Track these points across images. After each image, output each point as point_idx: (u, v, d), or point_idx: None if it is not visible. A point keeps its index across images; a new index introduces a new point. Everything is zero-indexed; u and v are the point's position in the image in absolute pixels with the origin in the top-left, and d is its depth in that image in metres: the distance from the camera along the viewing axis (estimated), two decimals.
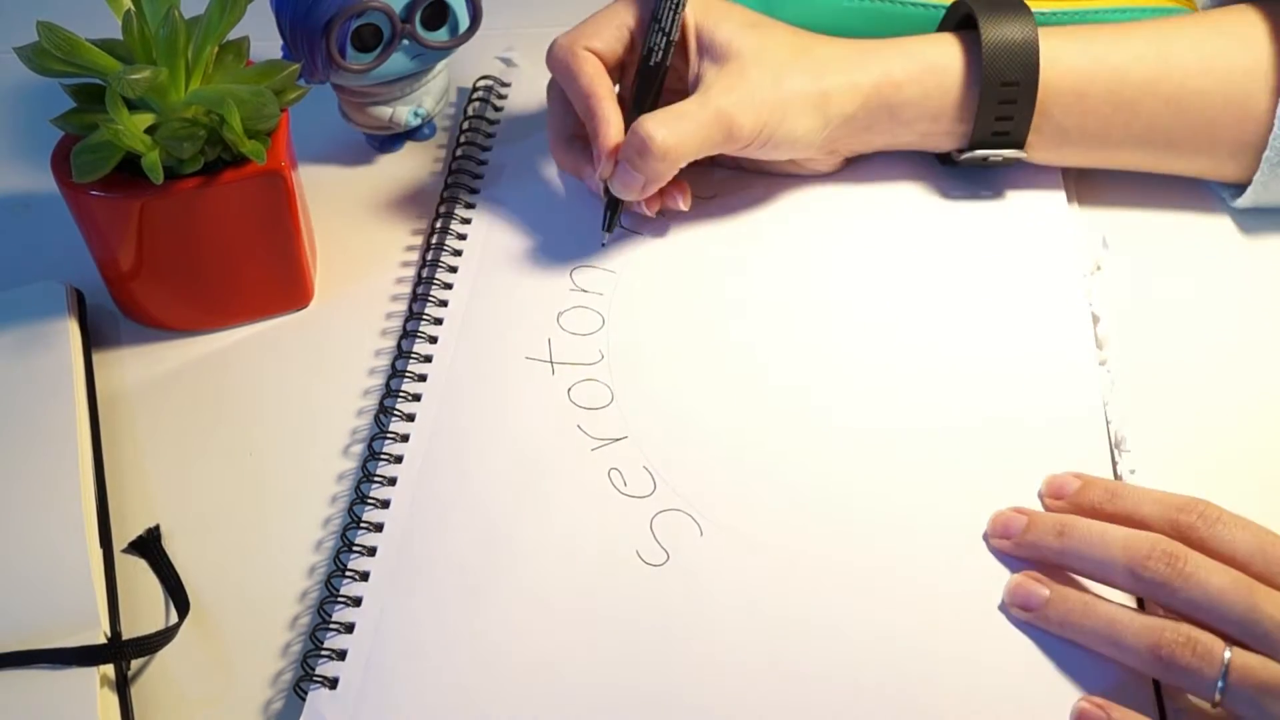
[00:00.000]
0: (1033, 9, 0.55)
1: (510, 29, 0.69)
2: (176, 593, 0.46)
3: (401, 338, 0.54)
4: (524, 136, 0.63)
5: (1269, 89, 0.53)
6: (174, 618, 0.45)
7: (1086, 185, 0.59)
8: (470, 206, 0.60)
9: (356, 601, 0.45)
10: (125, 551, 0.48)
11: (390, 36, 0.57)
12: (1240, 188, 0.56)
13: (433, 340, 0.53)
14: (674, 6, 0.53)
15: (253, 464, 0.51)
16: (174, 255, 0.52)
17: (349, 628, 0.44)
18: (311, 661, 0.43)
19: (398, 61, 0.58)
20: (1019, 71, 0.53)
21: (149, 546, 0.48)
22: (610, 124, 0.53)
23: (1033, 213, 0.57)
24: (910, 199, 0.58)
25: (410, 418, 0.50)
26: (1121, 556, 0.42)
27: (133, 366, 0.54)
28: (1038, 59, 0.54)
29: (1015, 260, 0.55)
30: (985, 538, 0.46)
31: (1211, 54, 0.54)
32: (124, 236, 0.51)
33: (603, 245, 0.57)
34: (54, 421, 0.50)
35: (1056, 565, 0.44)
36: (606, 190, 0.55)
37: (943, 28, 0.58)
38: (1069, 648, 0.43)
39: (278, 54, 0.57)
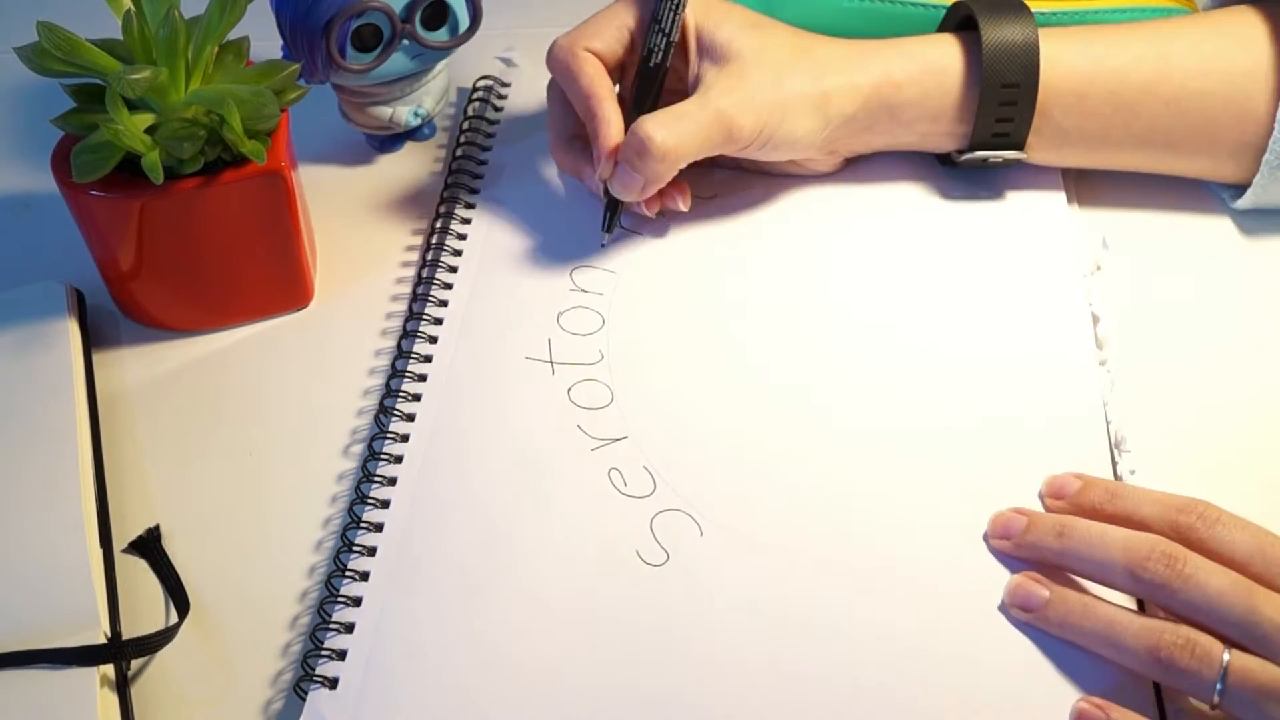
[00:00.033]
0: (1033, 9, 0.55)
1: (510, 29, 0.69)
2: (176, 593, 0.46)
3: (401, 338, 0.54)
4: (524, 136, 0.63)
5: (1269, 90, 0.53)
6: (174, 618, 0.45)
7: (1086, 186, 0.59)
8: (470, 206, 0.60)
9: (356, 601, 0.45)
10: (125, 551, 0.48)
11: (390, 36, 0.57)
12: (1240, 189, 0.56)
13: (433, 340, 0.53)
14: (674, 7, 0.53)
15: (253, 464, 0.51)
16: (174, 255, 0.52)
17: (349, 628, 0.44)
18: (311, 661, 0.43)
19: (398, 61, 0.58)
20: (1019, 73, 0.53)
21: (149, 546, 0.48)
22: (610, 125, 0.53)
23: (1033, 213, 0.57)
24: (910, 199, 0.58)
25: (410, 418, 0.50)
26: (1121, 558, 0.42)
27: (133, 366, 0.54)
28: (1038, 60, 0.53)
29: (1015, 260, 0.55)
30: (985, 538, 0.46)
31: (1212, 55, 0.54)
32: (124, 236, 0.51)
33: (602, 246, 0.57)
34: (54, 421, 0.50)
35: (1056, 566, 0.44)
36: (606, 191, 0.55)
37: (943, 28, 0.58)
38: (1069, 648, 0.43)
39: (278, 54, 0.57)
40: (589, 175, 0.56)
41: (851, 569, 0.45)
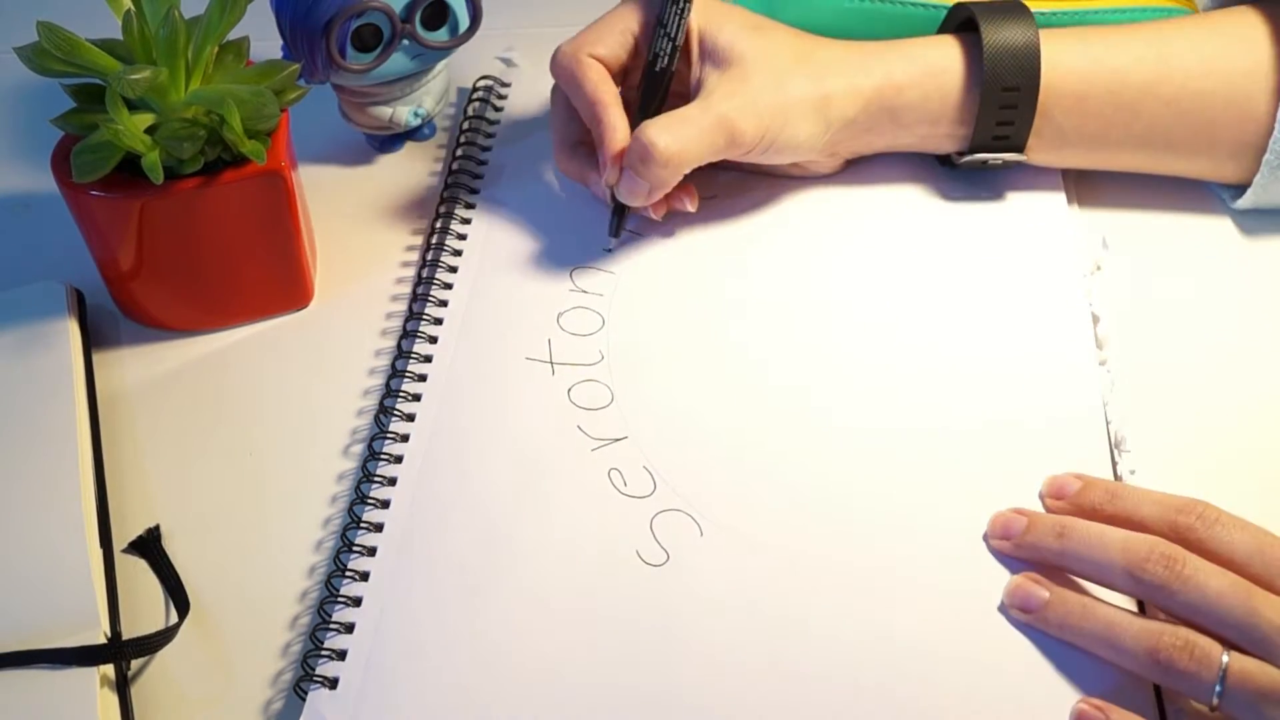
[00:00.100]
0: (1033, 10, 0.55)
1: (510, 29, 0.69)
2: (176, 593, 0.46)
3: (401, 338, 0.54)
4: (524, 137, 0.63)
5: (1269, 90, 0.53)
6: (174, 618, 0.45)
7: (1086, 186, 0.59)
8: (470, 207, 0.60)
9: (356, 601, 0.45)
10: (125, 551, 0.48)
11: (390, 36, 0.57)
12: (1240, 189, 0.56)
13: (433, 340, 0.53)
14: (679, 11, 0.53)
15: (253, 464, 0.51)
16: (174, 255, 0.52)
17: (349, 628, 0.44)
18: (311, 661, 0.43)
19: (398, 61, 0.58)
20: (1020, 76, 0.53)
21: (149, 546, 0.48)
22: (616, 130, 0.53)
23: (1033, 214, 0.57)
24: (910, 200, 0.58)
25: (410, 418, 0.50)
26: (1120, 559, 0.42)
27: (133, 366, 0.54)
28: (1039, 64, 0.53)
29: (1015, 261, 0.55)
30: (985, 538, 0.46)
31: (1212, 55, 0.54)
32: (124, 236, 0.51)
33: (608, 251, 0.57)
34: (54, 421, 0.50)
35: (1056, 567, 0.44)
36: (614, 197, 0.55)
37: (943, 30, 0.58)
38: (1069, 649, 0.43)
39: (278, 54, 0.57)
40: (594, 181, 0.56)
41: (851, 569, 0.45)
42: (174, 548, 0.48)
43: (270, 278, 0.55)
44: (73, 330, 0.53)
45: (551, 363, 0.53)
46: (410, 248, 0.59)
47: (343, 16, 0.55)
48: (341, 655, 0.43)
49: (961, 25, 0.57)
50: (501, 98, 0.66)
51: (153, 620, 0.46)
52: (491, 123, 0.64)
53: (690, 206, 0.56)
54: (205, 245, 0.52)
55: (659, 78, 0.54)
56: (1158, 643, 0.40)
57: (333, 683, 0.43)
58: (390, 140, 0.64)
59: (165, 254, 0.52)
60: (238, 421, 0.52)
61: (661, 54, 0.54)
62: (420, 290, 0.56)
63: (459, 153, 0.62)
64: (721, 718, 0.42)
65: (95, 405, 0.52)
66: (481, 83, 0.66)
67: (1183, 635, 0.40)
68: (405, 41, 0.57)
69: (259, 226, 0.52)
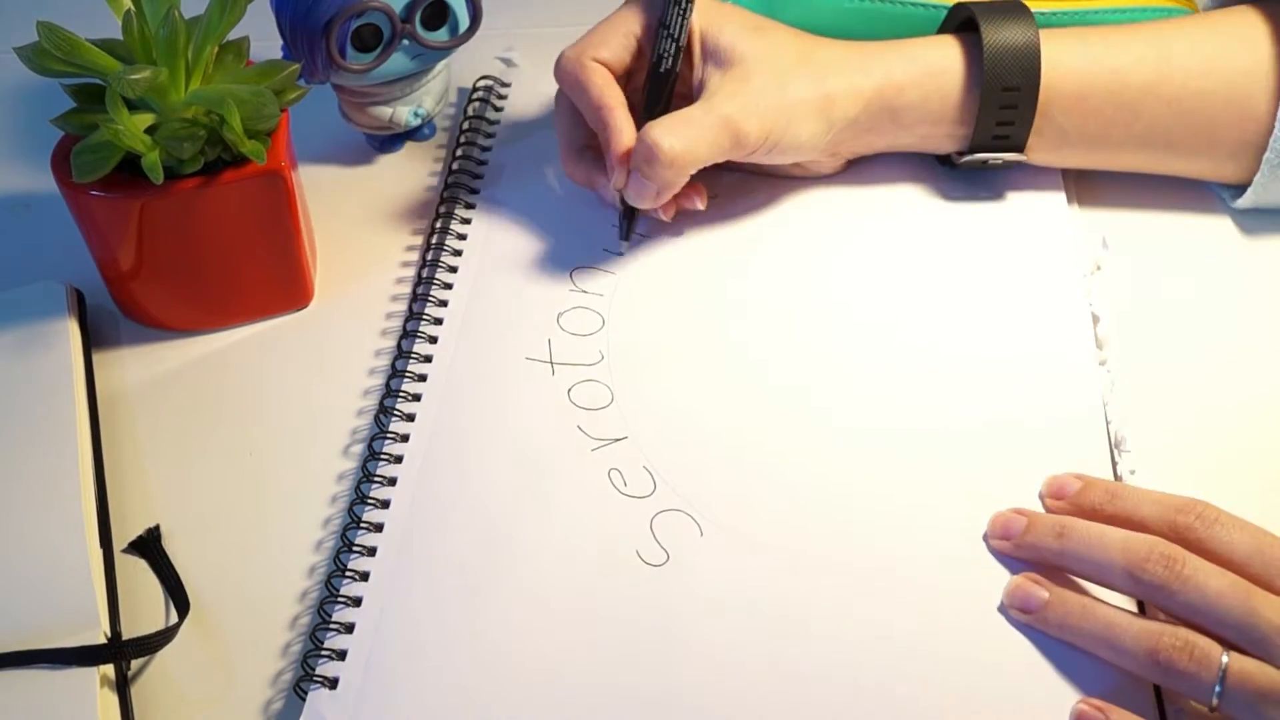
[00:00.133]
0: (1033, 10, 0.55)
1: (510, 29, 0.69)
2: (176, 593, 0.46)
3: (401, 338, 0.54)
4: (524, 137, 0.63)
5: (1269, 90, 0.53)
6: (174, 618, 0.45)
7: (1086, 186, 0.59)
8: (470, 207, 0.60)
9: (356, 601, 0.45)
10: (125, 551, 0.48)
11: (390, 36, 0.57)
12: (1240, 188, 0.56)
13: (433, 340, 0.53)
14: (681, 12, 0.53)
15: (253, 464, 0.51)
16: (174, 255, 0.52)
17: (349, 628, 0.44)
18: (311, 661, 0.43)
19: (398, 61, 0.58)
20: (1020, 76, 0.53)
21: (149, 546, 0.48)
22: (623, 134, 0.53)
23: (1033, 213, 0.57)
24: (911, 200, 0.58)
25: (410, 418, 0.50)
26: (1120, 559, 0.42)
27: (133, 366, 0.54)
28: (1039, 63, 0.53)
29: (1015, 261, 0.55)
30: (985, 538, 0.46)
31: (1212, 55, 0.54)
32: (124, 236, 0.51)
33: (619, 255, 0.57)
34: (54, 421, 0.50)
35: (1056, 567, 0.44)
36: (623, 200, 0.55)
37: (944, 30, 0.58)
38: (1069, 649, 0.43)
39: (278, 54, 0.57)
40: (603, 185, 0.56)
41: (851, 569, 0.45)
42: (174, 548, 0.48)
43: (270, 278, 0.55)
44: (73, 330, 0.53)
45: (551, 363, 0.53)
46: (410, 248, 0.59)
47: (343, 16, 0.55)
48: (341, 655, 0.43)
49: (962, 25, 0.57)
50: (501, 98, 0.66)
51: (153, 620, 0.46)
52: (491, 123, 0.64)
53: (700, 205, 0.56)
54: (205, 245, 0.52)
55: (664, 79, 0.54)
56: (1157, 643, 0.40)
57: (333, 683, 0.43)
58: (390, 140, 0.64)
59: (165, 254, 0.52)
60: (238, 421, 0.52)
61: (665, 55, 0.54)
62: (420, 290, 0.56)
63: (459, 153, 0.62)
64: (721, 718, 0.42)
65: (95, 405, 0.52)
66: (481, 83, 0.66)
67: (1182, 635, 0.40)
68: (405, 41, 0.57)
69: (259, 226, 0.52)
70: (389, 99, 0.61)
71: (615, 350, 0.53)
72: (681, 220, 0.58)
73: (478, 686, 0.43)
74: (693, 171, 0.53)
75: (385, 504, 0.48)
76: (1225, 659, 0.39)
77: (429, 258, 0.57)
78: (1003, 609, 0.44)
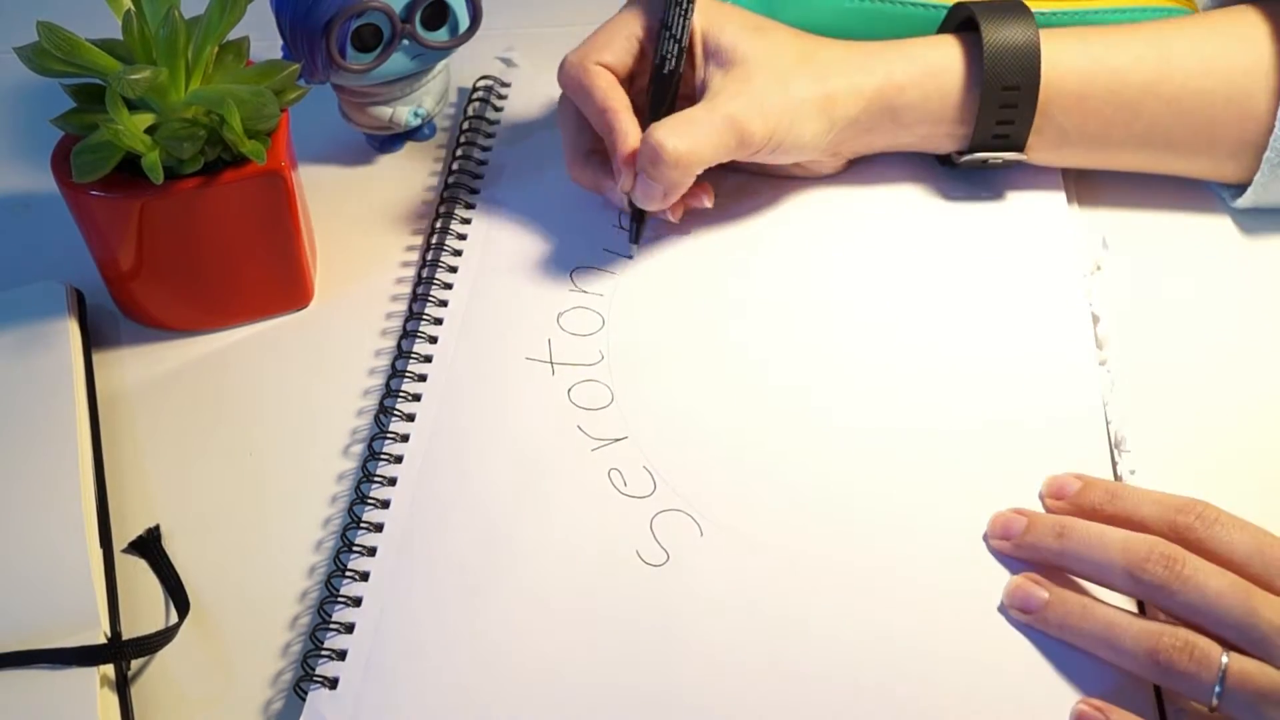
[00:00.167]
0: (1033, 10, 0.55)
1: (510, 29, 0.69)
2: (176, 593, 0.46)
3: (401, 338, 0.54)
4: (524, 137, 0.63)
5: (1269, 89, 0.53)
6: (174, 618, 0.45)
7: (1086, 185, 0.59)
8: (470, 207, 0.60)
9: (356, 601, 0.45)
10: (125, 551, 0.48)
11: (390, 36, 0.57)
12: (1240, 188, 0.56)
13: (433, 340, 0.53)
14: (683, 12, 0.53)
15: (253, 464, 0.51)
16: (174, 255, 0.52)
17: (349, 628, 0.44)
18: (311, 661, 0.43)
19: (398, 61, 0.58)
20: (1020, 75, 0.53)
21: (149, 546, 0.48)
22: (629, 136, 0.53)
23: (1033, 213, 0.57)
24: (911, 200, 0.58)
25: (410, 418, 0.50)
26: (1120, 559, 0.42)
27: (133, 366, 0.54)
28: (1039, 63, 0.53)
29: (1015, 260, 0.55)
30: (985, 538, 0.46)
31: (1212, 55, 0.54)
32: (124, 236, 0.51)
33: (630, 257, 0.57)
34: (54, 421, 0.50)
35: (1056, 567, 0.44)
36: (631, 203, 0.55)
37: (943, 29, 0.58)
38: (1069, 649, 0.43)
39: (278, 54, 0.57)
40: (610, 188, 0.56)
41: (851, 569, 0.45)
42: (174, 548, 0.48)
43: (270, 278, 0.55)
44: (73, 330, 0.53)
45: (551, 363, 0.53)
46: (410, 248, 0.59)
47: (343, 16, 0.55)
48: (341, 655, 0.43)
49: (962, 25, 0.57)
50: (501, 98, 0.66)
51: (153, 620, 0.46)
52: (491, 123, 0.64)
53: (708, 202, 0.56)
54: (205, 245, 0.52)
55: (667, 80, 0.54)
56: (1157, 643, 0.40)
57: (333, 683, 0.43)
58: (390, 140, 0.64)
59: (165, 254, 0.52)
60: (238, 421, 0.52)
61: (669, 56, 0.54)
62: (420, 290, 0.56)
63: (459, 153, 0.62)
64: (721, 718, 0.42)
65: (95, 405, 0.52)
66: (481, 83, 0.66)
67: (1182, 636, 0.40)
68: (405, 41, 0.57)
69: (259, 226, 0.52)
70: (389, 99, 0.61)
71: (615, 350, 0.53)
72: (687, 220, 0.58)
73: (478, 686, 0.43)
74: (698, 172, 0.53)
75: (385, 504, 0.48)
76: (1225, 659, 0.39)
77: (429, 258, 0.57)
78: (1003, 609, 0.44)
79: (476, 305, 0.55)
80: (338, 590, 0.45)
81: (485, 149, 0.63)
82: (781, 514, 0.47)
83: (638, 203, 0.54)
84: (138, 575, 0.47)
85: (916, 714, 0.42)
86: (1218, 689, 0.39)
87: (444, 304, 0.55)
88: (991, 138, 0.55)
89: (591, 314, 0.54)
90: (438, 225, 0.59)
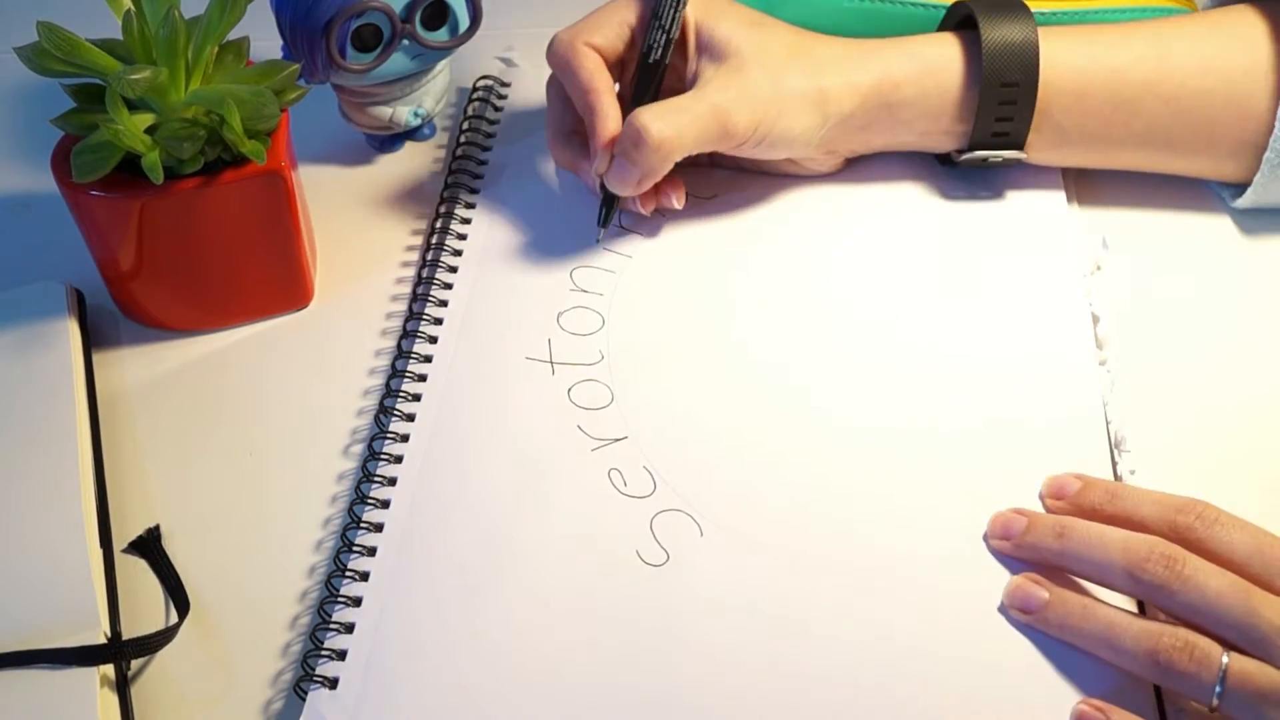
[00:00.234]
0: (1032, 9, 0.55)
1: (510, 29, 0.69)
2: (176, 593, 0.46)
3: (401, 338, 0.54)
4: (524, 136, 0.63)
5: (1269, 89, 0.53)
6: (174, 618, 0.45)
7: (1086, 185, 0.59)
8: (470, 206, 0.60)
9: (356, 601, 0.45)
10: (125, 551, 0.48)
11: (390, 36, 0.57)
12: (1240, 188, 0.56)
13: (433, 340, 0.53)
14: (675, 4, 0.53)
15: (253, 464, 0.51)
16: (174, 255, 0.52)
17: (349, 628, 0.44)
18: (311, 661, 0.43)
19: (398, 61, 0.58)
20: (1019, 72, 0.53)
21: (149, 546, 0.48)
22: (608, 119, 0.53)
23: (1033, 213, 0.57)
24: (910, 199, 0.58)
25: (410, 418, 0.50)
26: (1120, 559, 0.42)
27: (133, 366, 0.54)
28: (1038, 59, 0.53)
29: (1015, 260, 0.55)
30: (985, 538, 0.46)
31: (1211, 54, 0.54)
32: (124, 236, 0.51)
33: (597, 242, 0.57)
34: (54, 421, 0.50)
35: (1056, 567, 0.44)
36: (603, 186, 0.55)
37: (943, 28, 0.58)
38: (1069, 650, 0.43)
39: (278, 54, 0.57)
40: (585, 170, 0.56)
41: (851, 569, 0.45)
42: (174, 548, 0.48)
43: (270, 278, 0.55)
44: (73, 330, 0.53)
45: (551, 362, 0.53)
46: (410, 248, 0.59)
47: (343, 16, 0.55)
48: (341, 655, 0.43)
49: (960, 24, 0.57)
50: (501, 98, 0.66)
51: (153, 620, 0.46)
52: (491, 123, 0.64)
53: (676, 204, 0.56)
54: (205, 245, 0.52)
55: (652, 70, 0.54)
56: (1157, 644, 0.40)
57: (333, 683, 0.43)
58: (390, 140, 0.64)
59: (165, 254, 0.52)
60: (238, 421, 0.52)
61: (655, 46, 0.54)
62: (420, 290, 0.56)
63: (459, 152, 0.62)
64: (721, 718, 0.42)
65: (95, 405, 0.52)
66: (481, 83, 0.66)
67: (1182, 636, 0.40)
68: (405, 41, 0.57)
69: (259, 226, 0.52)
70: (389, 99, 0.61)
71: (615, 350, 0.53)
72: (681, 220, 0.58)
73: (478, 686, 0.43)
74: (678, 158, 0.53)
75: (385, 504, 0.48)
76: (1225, 659, 0.39)
77: (429, 258, 0.57)
78: (1003, 609, 0.44)
79: (476, 305, 0.55)
80: (338, 590, 0.45)
81: (485, 149, 0.63)
82: (781, 514, 0.47)
83: (610, 186, 0.54)
84: (138, 575, 0.47)
85: (916, 714, 0.42)
86: (1218, 689, 0.39)
87: (444, 304, 0.55)
88: (991, 136, 0.55)
89: (591, 314, 0.54)
90: (438, 225, 0.59)
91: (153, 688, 0.44)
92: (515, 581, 0.45)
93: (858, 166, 0.60)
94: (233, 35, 0.50)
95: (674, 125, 0.51)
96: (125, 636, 0.45)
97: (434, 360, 0.53)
